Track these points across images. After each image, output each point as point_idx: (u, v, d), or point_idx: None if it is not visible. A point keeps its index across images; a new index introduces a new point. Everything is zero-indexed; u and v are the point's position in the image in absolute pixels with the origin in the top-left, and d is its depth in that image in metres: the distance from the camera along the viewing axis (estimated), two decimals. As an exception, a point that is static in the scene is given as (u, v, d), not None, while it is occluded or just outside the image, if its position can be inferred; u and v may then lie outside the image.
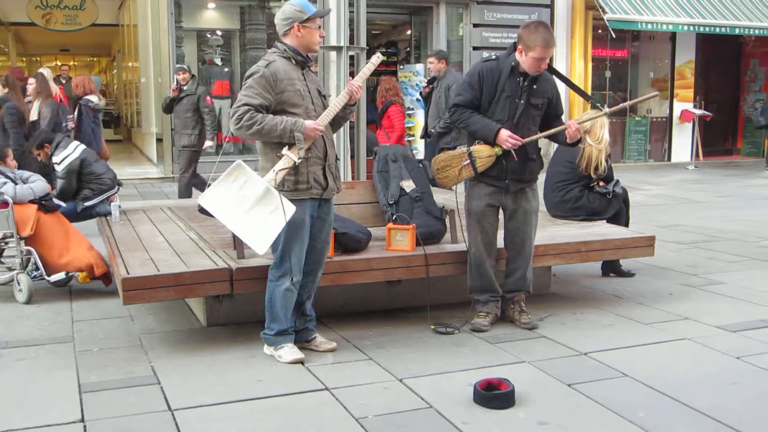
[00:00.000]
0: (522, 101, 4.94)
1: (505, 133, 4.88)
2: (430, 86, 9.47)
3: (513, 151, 4.92)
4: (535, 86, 4.96)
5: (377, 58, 4.67)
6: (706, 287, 6.27)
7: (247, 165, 4.25)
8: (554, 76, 5.20)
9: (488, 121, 4.94)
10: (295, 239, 4.36)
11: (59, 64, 20.47)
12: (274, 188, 4.17)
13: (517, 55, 4.92)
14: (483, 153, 4.99)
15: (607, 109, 5.31)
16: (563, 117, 5.25)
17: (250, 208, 4.18)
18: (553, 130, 5.09)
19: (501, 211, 5.16)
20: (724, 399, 3.94)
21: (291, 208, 4.16)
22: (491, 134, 4.91)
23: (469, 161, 5.02)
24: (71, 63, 33.26)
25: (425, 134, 9.63)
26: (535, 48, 4.81)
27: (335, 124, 4.61)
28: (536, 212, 5.20)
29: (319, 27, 4.53)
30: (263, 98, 4.25)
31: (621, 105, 5.92)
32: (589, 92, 16.02)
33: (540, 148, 5.24)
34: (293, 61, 4.42)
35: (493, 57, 5.09)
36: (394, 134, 9.93)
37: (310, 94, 4.43)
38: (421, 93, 10.17)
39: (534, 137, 5.04)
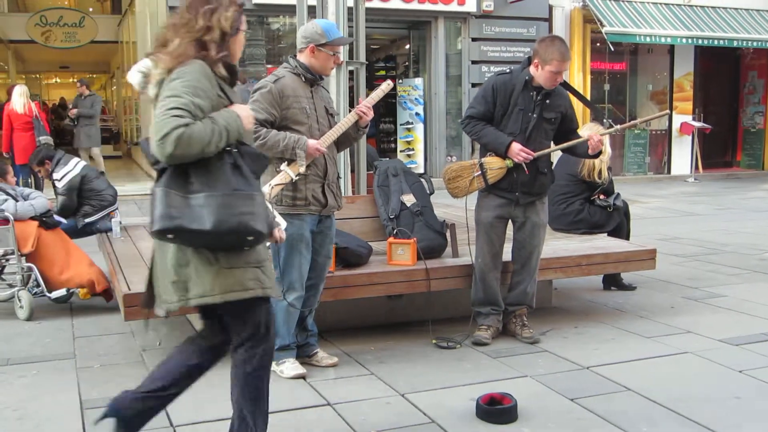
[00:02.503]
0: (534, 115, 4.96)
1: (516, 147, 4.90)
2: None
3: (524, 165, 4.94)
4: (548, 101, 4.98)
5: (387, 85, 4.68)
6: (708, 300, 6.26)
7: None
8: (568, 91, 5.23)
9: (500, 134, 4.96)
10: (295, 254, 4.36)
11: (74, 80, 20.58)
12: (267, 202, 4.17)
13: (532, 69, 4.94)
14: (494, 165, 5.01)
15: (618, 127, 5.32)
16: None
17: None
18: (571, 143, 5.12)
19: (511, 223, 5.18)
20: (726, 413, 3.93)
21: (282, 224, 4.16)
22: (502, 147, 4.94)
23: (480, 172, 5.04)
24: (70, 80, 33.45)
25: None
26: (552, 62, 4.83)
27: (344, 142, 4.62)
28: (545, 226, 5.21)
29: (334, 54, 4.49)
30: (268, 113, 4.26)
31: (632, 122, 5.93)
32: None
33: (552, 162, 5.26)
34: (303, 78, 4.42)
35: (507, 70, 5.11)
36: None
37: (316, 113, 4.42)
38: None
39: (548, 150, 5.07)
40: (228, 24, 3.02)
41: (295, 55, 4.50)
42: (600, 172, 6.39)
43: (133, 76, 3.06)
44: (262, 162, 3.10)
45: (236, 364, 3.11)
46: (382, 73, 18.39)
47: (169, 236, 2.81)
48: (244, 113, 3.00)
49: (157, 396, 3.19)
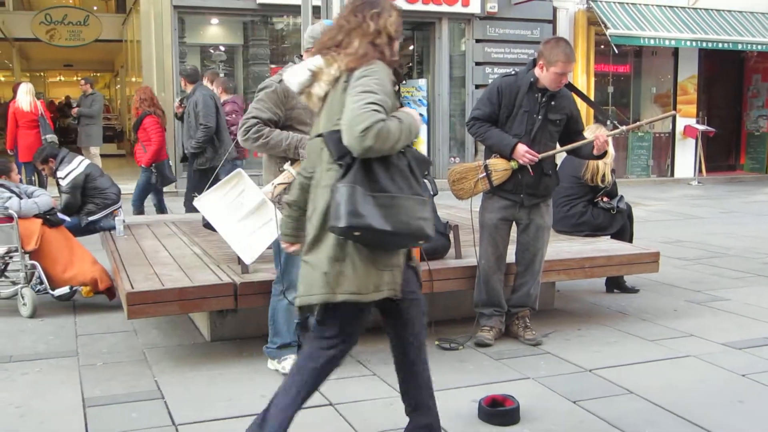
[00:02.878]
0: (539, 117, 4.96)
1: (522, 148, 4.90)
2: (183, 106, 8.99)
3: (529, 166, 4.94)
4: (553, 102, 4.98)
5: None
6: (711, 304, 6.25)
7: (246, 174, 4.26)
8: (572, 93, 5.22)
9: (505, 136, 4.96)
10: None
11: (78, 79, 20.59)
12: (270, 201, 4.18)
13: (537, 70, 4.94)
14: (499, 166, 5.01)
15: (623, 128, 5.31)
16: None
17: (243, 217, 4.19)
18: (576, 144, 5.12)
19: (515, 225, 5.18)
20: (729, 417, 3.93)
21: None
22: (508, 149, 4.94)
23: (485, 174, 5.04)
24: (74, 78, 33.50)
25: (183, 157, 9.05)
26: (557, 63, 4.82)
27: None
28: (549, 229, 5.20)
29: None
30: (272, 113, 4.26)
31: (638, 123, 5.92)
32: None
33: (556, 165, 5.25)
34: None
35: (512, 72, 5.12)
36: (150, 148, 9.14)
37: None
38: (175, 114, 9.60)
39: (554, 152, 5.07)
40: (393, 29, 3.12)
41: (301, 56, 4.50)
42: (603, 176, 6.38)
43: (299, 74, 3.14)
44: (426, 165, 3.19)
45: (307, 355, 3.17)
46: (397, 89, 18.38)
47: (356, 234, 2.87)
48: (417, 116, 3.10)
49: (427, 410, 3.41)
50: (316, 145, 3.12)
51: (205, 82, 9.27)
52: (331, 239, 2.97)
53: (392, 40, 3.12)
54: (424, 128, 16.66)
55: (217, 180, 8.49)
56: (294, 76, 3.17)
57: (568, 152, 5.33)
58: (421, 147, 16.66)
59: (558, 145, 5.19)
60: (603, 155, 5.17)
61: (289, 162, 4.28)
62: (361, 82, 2.91)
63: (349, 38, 3.06)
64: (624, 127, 5.32)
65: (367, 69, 2.96)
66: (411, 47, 18.07)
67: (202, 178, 8.44)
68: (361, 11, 3.09)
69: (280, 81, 4.32)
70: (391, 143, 2.85)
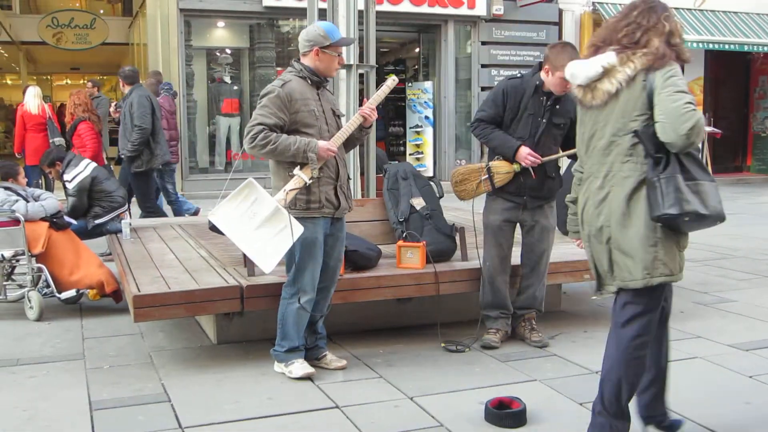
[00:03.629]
0: (544, 120, 4.96)
1: (524, 151, 4.90)
2: (118, 110, 8.87)
3: (532, 169, 4.94)
4: (557, 106, 4.98)
5: (392, 81, 4.68)
6: (718, 305, 6.24)
7: (257, 183, 4.26)
8: None
9: (508, 138, 4.97)
10: (309, 257, 4.37)
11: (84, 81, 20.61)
12: (283, 208, 4.18)
13: (542, 74, 4.94)
14: (501, 169, 5.01)
15: None
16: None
17: (258, 226, 4.19)
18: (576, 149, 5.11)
19: (519, 227, 5.17)
20: (737, 418, 3.92)
21: (299, 229, 4.16)
22: (510, 151, 4.95)
23: (487, 176, 5.04)
24: (81, 81, 33.57)
25: (118, 159, 8.88)
26: (563, 68, 4.80)
27: (349, 144, 4.63)
28: (553, 230, 5.21)
29: (339, 54, 4.53)
30: (277, 118, 4.26)
31: None
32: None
33: (560, 167, 5.26)
34: (309, 81, 4.43)
35: (518, 75, 5.13)
36: (86, 154, 8.68)
37: (324, 115, 4.44)
38: (113, 119, 9.51)
39: (555, 156, 5.06)
40: (680, 32, 3.32)
41: (299, 59, 4.52)
42: None
43: (589, 69, 3.33)
44: (698, 153, 3.38)
45: (623, 338, 3.40)
46: (398, 81, 18.45)
47: (686, 219, 3.12)
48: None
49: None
50: (592, 140, 3.40)
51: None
52: (641, 226, 3.19)
53: (681, 42, 3.30)
54: (430, 130, 16.66)
55: (153, 182, 8.56)
56: (582, 70, 3.36)
57: (569, 157, 5.32)
58: (428, 149, 16.67)
59: (560, 150, 5.19)
60: None
61: (299, 166, 4.28)
62: (672, 82, 3.13)
63: (647, 36, 3.24)
64: None
65: (672, 69, 3.17)
66: (417, 49, 18.07)
67: (140, 182, 8.41)
68: (656, 12, 3.29)
69: (282, 85, 4.34)
70: (702, 137, 3.13)
